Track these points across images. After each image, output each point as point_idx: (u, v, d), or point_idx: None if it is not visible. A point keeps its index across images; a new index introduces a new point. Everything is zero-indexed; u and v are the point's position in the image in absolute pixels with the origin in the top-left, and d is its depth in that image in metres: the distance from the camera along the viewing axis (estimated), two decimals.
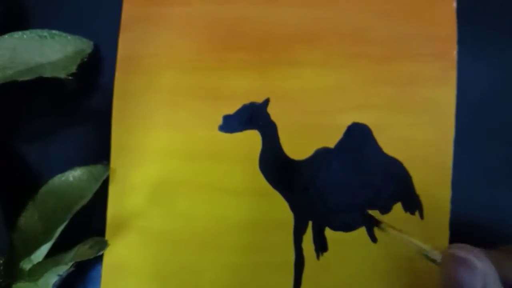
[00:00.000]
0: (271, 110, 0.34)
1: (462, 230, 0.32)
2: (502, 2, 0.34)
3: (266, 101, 0.34)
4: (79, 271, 0.34)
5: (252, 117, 0.34)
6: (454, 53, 0.34)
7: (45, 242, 0.32)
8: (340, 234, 0.33)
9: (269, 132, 0.34)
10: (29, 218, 0.33)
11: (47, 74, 0.33)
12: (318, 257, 0.33)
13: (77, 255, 0.29)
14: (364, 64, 0.34)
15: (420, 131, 0.33)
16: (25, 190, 0.33)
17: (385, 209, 0.33)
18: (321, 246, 0.33)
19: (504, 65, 0.34)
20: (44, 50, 0.34)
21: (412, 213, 0.33)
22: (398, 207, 0.33)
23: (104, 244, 0.30)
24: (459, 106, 0.33)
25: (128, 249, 0.34)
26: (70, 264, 0.30)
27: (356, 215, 0.33)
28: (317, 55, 0.34)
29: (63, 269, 0.31)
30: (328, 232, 0.33)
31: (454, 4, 0.34)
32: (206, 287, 0.33)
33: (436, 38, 0.34)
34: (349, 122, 0.34)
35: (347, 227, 0.33)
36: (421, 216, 0.33)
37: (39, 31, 0.34)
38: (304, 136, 0.34)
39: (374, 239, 0.33)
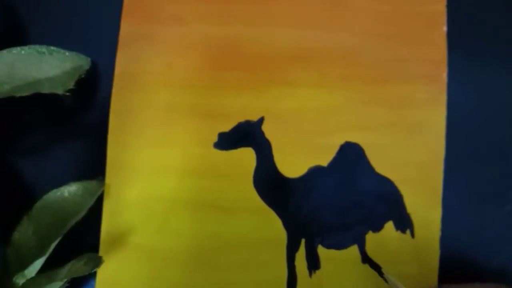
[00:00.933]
0: (266, 128, 0.35)
1: (452, 249, 0.33)
2: (491, 27, 0.36)
3: (261, 120, 0.35)
4: (73, 287, 0.34)
5: (247, 135, 0.34)
6: (444, 75, 0.35)
7: (39, 257, 0.32)
8: (332, 252, 0.33)
9: (264, 150, 0.34)
10: (23, 233, 0.33)
11: (45, 90, 0.33)
12: (310, 274, 0.33)
13: (72, 271, 0.29)
14: (357, 85, 0.35)
15: (412, 152, 0.34)
16: (20, 205, 0.33)
17: (377, 228, 0.33)
18: (313, 263, 0.33)
19: (493, 88, 0.35)
20: (42, 66, 0.35)
21: (403, 231, 0.33)
22: (389, 226, 0.33)
23: (99, 261, 0.30)
24: (449, 127, 0.34)
25: (122, 266, 0.34)
26: (64, 280, 0.30)
27: (348, 233, 0.33)
28: (312, 75, 0.35)
29: (57, 285, 0.30)
30: (321, 250, 0.34)
31: (445, 28, 0.35)
32: None
33: (427, 61, 0.35)
34: (341, 142, 0.34)
35: (340, 245, 0.33)
36: (412, 235, 0.33)
37: (37, 47, 0.35)
38: (298, 155, 0.34)
39: (366, 259, 0.33)
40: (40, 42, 0.35)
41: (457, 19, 0.35)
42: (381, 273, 0.32)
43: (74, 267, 0.29)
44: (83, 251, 0.33)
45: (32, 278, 0.31)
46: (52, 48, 0.35)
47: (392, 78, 0.35)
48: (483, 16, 0.36)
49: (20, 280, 0.31)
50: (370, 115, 0.34)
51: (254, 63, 0.35)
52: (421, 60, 0.35)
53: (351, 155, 0.34)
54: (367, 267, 0.33)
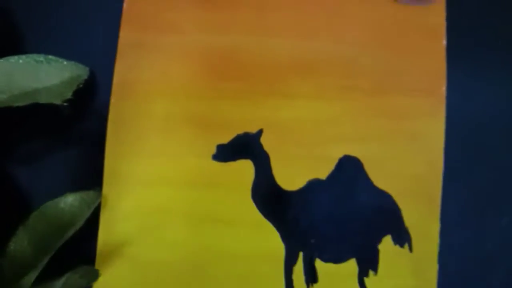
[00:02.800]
0: (264, 140, 0.34)
1: (450, 263, 0.33)
2: (491, 40, 0.36)
3: (260, 132, 0.34)
4: None
5: (246, 147, 0.34)
6: (443, 88, 0.35)
7: (34, 269, 0.32)
8: (330, 266, 0.33)
9: (262, 163, 0.34)
10: (19, 243, 0.33)
11: (43, 100, 0.33)
12: None
13: (68, 284, 0.29)
14: (356, 97, 0.35)
15: (410, 164, 0.34)
16: (16, 215, 0.33)
17: (375, 241, 0.33)
18: (311, 277, 0.33)
19: (492, 101, 0.35)
20: (40, 75, 0.34)
21: (401, 246, 0.33)
22: (387, 240, 0.33)
23: (95, 274, 0.29)
24: (447, 140, 0.34)
25: (118, 277, 0.34)
26: None
27: (346, 247, 0.33)
28: (311, 87, 0.35)
29: None
30: (319, 264, 0.33)
31: (444, 41, 0.35)
32: None
33: (426, 74, 0.35)
34: (340, 154, 0.34)
35: (337, 259, 0.33)
36: (410, 249, 0.33)
37: (35, 56, 0.34)
38: (297, 167, 0.34)
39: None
40: (38, 51, 0.35)
41: (457, 31, 0.35)
42: None
43: (70, 280, 0.29)
44: (79, 263, 0.33)
45: None
46: (50, 57, 0.35)
47: (390, 90, 0.35)
48: (483, 29, 0.36)
49: None
50: (369, 127, 0.34)
51: (252, 74, 0.35)
52: (420, 73, 0.35)
53: (349, 169, 0.34)
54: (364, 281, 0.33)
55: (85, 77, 0.35)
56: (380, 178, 0.34)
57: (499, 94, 0.35)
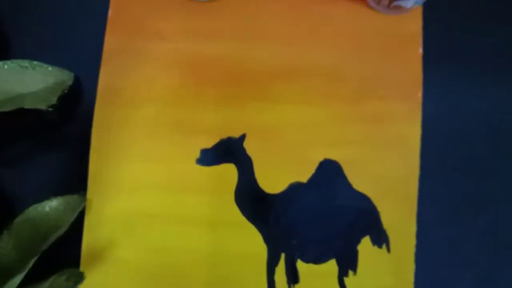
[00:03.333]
0: (247, 144, 0.35)
1: (426, 264, 0.34)
2: (466, 47, 0.37)
3: (243, 136, 0.35)
4: None
5: (229, 151, 0.35)
6: (419, 94, 0.36)
7: (19, 273, 0.32)
8: (311, 266, 0.34)
9: (245, 166, 0.35)
10: (3, 247, 0.33)
11: (27, 105, 0.33)
12: None
13: (53, 287, 0.29)
14: (337, 102, 0.36)
15: (388, 167, 0.35)
16: (0, 219, 0.33)
17: (354, 242, 0.34)
18: (292, 277, 0.34)
19: (467, 104, 0.36)
20: (25, 81, 0.35)
21: (380, 246, 0.34)
22: (366, 241, 0.34)
23: (80, 277, 0.30)
24: (424, 143, 0.35)
25: (103, 281, 0.34)
26: None
27: (327, 248, 0.34)
28: (294, 92, 0.36)
29: None
30: (300, 264, 0.34)
31: (420, 50, 0.36)
32: None
33: (403, 80, 0.36)
34: (321, 158, 0.35)
35: (318, 260, 0.34)
36: (388, 250, 0.34)
37: (20, 62, 0.35)
38: (279, 170, 0.35)
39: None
40: (23, 56, 0.35)
41: (433, 40, 0.36)
42: None
43: (55, 283, 0.29)
44: (64, 266, 0.33)
45: None
46: (35, 62, 0.35)
47: (369, 96, 0.36)
48: (458, 37, 0.37)
49: None
50: (348, 131, 0.35)
51: (236, 79, 0.36)
52: (397, 79, 0.36)
53: (329, 172, 0.35)
54: (344, 281, 0.34)
55: (70, 82, 0.35)
56: (359, 180, 0.35)
57: (474, 98, 0.36)
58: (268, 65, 0.36)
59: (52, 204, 0.34)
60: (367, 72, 0.36)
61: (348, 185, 0.35)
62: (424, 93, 0.36)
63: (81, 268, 0.34)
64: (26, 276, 0.32)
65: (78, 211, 0.34)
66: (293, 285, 0.34)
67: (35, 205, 0.34)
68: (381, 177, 0.35)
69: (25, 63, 0.35)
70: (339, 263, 0.34)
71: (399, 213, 0.34)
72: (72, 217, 0.33)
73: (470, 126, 0.36)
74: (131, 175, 0.35)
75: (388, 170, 0.35)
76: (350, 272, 0.34)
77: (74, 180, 0.35)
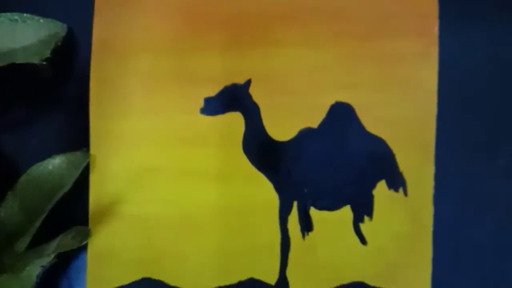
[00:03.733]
0: (253, 91, 0.33)
1: (446, 207, 0.33)
2: None
3: (248, 82, 0.33)
4: (63, 261, 0.33)
5: (234, 99, 0.33)
6: (435, 29, 0.33)
7: (27, 233, 0.31)
8: (325, 214, 0.33)
9: (252, 114, 0.33)
10: (9, 209, 0.32)
11: (20, 60, 0.31)
12: (303, 237, 0.33)
13: (60, 245, 0.28)
14: (345, 42, 0.34)
15: (403, 109, 0.33)
16: (3, 181, 0.32)
17: (369, 187, 0.33)
18: (306, 226, 0.33)
19: (486, 40, 0.34)
20: (16, 35, 0.33)
21: (396, 190, 0.33)
22: (382, 185, 0.33)
23: (87, 234, 0.29)
24: (441, 82, 0.33)
25: (112, 236, 0.34)
26: (53, 255, 0.29)
27: (341, 194, 0.33)
28: (298, 34, 0.34)
29: (46, 260, 0.30)
30: (313, 212, 0.33)
31: None
32: (191, 271, 0.33)
33: (417, 15, 0.34)
34: (332, 102, 0.33)
35: (332, 206, 0.33)
36: (405, 193, 0.33)
37: (9, 15, 0.33)
38: (287, 117, 0.33)
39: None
40: (12, 9, 0.33)
41: None
42: None
43: (62, 242, 0.29)
44: (73, 224, 0.33)
45: (20, 254, 0.31)
46: (25, 15, 0.33)
47: (381, 33, 0.34)
48: None
49: (9, 256, 0.31)
50: (360, 72, 0.33)
51: (237, 23, 0.34)
52: (411, 14, 0.34)
53: (341, 116, 0.33)
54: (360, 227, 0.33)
55: (63, 34, 0.34)
56: (373, 123, 0.33)
57: (495, 34, 0.34)
58: (270, 6, 0.34)
59: (55, 162, 0.33)
60: (377, 8, 0.34)
61: (362, 128, 0.33)
62: (441, 28, 0.33)
63: (90, 226, 0.33)
64: (36, 236, 0.32)
65: (81, 168, 0.33)
66: (307, 233, 0.33)
67: (38, 164, 0.33)
68: (396, 120, 0.33)
69: (15, 16, 0.33)
70: (354, 209, 0.33)
71: (416, 156, 0.33)
72: (76, 174, 0.32)
73: (491, 64, 0.34)
74: (134, 129, 0.34)
75: (403, 112, 0.33)
76: (366, 218, 0.33)
77: (76, 136, 0.34)
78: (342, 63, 0.34)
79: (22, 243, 0.31)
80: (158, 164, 0.34)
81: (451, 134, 0.33)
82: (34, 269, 0.30)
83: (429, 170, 0.33)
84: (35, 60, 0.31)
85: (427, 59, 0.33)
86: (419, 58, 0.33)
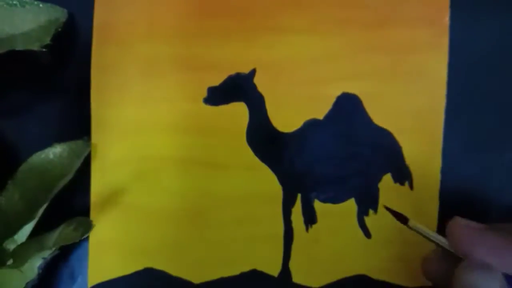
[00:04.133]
0: (258, 80, 0.33)
1: (452, 201, 0.32)
2: None
3: (253, 72, 0.33)
4: (66, 249, 0.33)
5: (238, 89, 0.33)
6: (446, 18, 0.32)
7: (28, 222, 0.31)
8: (329, 206, 0.33)
9: (256, 104, 0.33)
10: (9, 198, 0.32)
11: (19, 46, 0.31)
12: (307, 229, 0.33)
13: (61, 237, 0.28)
14: (353, 30, 0.33)
15: (411, 100, 0.32)
16: (3, 169, 0.32)
17: (375, 180, 0.33)
18: (310, 218, 0.33)
19: (497, 31, 0.33)
20: (15, 20, 0.32)
21: (402, 183, 0.32)
22: (387, 178, 0.33)
23: (88, 226, 0.29)
24: (450, 73, 0.32)
25: (114, 227, 0.33)
26: (54, 248, 0.29)
27: (345, 187, 0.33)
28: (305, 21, 0.33)
29: (48, 253, 0.30)
30: (317, 204, 0.33)
31: None
32: (194, 262, 0.33)
33: (427, 3, 0.32)
34: (338, 92, 0.32)
35: (336, 199, 0.33)
36: (411, 187, 0.32)
37: (8, 0, 0.32)
38: (293, 108, 0.33)
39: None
40: None
41: None
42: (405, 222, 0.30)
43: (64, 233, 0.28)
44: (74, 214, 0.33)
45: (22, 244, 0.30)
46: (24, 0, 0.32)
47: (390, 22, 0.33)
48: None
49: (10, 246, 0.31)
50: (368, 62, 0.33)
51: (242, 8, 0.33)
52: (422, 1, 0.32)
53: (348, 107, 0.32)
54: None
55: (64, 19, 0.33)
56: (380, 115, 0.32)
57: (507, 24, 0.33)
58: None
59: (56, 151, 0.32)
60: None
61: (369, 120, 0.32)
62: (452, 17, 0.32)
63: (92, 216, 0.33)
64: (38, 226, 0.31)
65: (83, 157, 0.32)
66: (311, 225, 0.33)
67: (38, 153, 0.32)
68: (403, 111, 0.32)
69: (14, 0, 0.32)
70: (358, 203, 0.33)
71: (423, 148, 0.32)
72: (77, 163, 0.32)
73: (503, 54, 0.33)
74: (136, 117, 0.33)
75: (411, 103, 0.32)
76: (371, 211, 0.32)
77: (77, 125, 0.34)
78: (350, 52, 0.33)
79: (24, 232, 0.31)
80: (161, 154, 0.33)
81: (460, 127, 0.33)
82: (36, 261, 0.30)
83: (436, 163, 0.32)
84: (35, 47, 0.31)
85: (437, 49, 0.32)
86: (429, 48, 0.32)
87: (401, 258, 0.32)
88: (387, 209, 0.28)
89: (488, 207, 0.33)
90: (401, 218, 0.27)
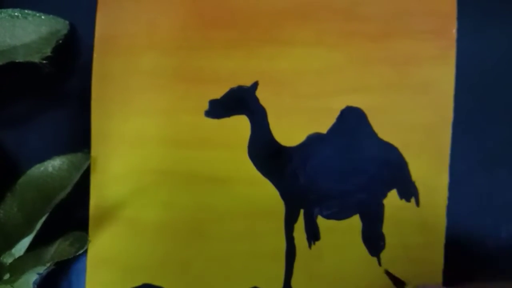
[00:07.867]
0: (260, 93, 0.32)
1: (459, 218, 0.31)
2: None
3: (255, 85, 0.32)
4: (64, 264, 0.33)
5: (240, 101, 0.32)
6: (453, 30, 0.32)
7: (26, 235, 0.31)
8: (332, 223, 0.32)
9: (258, 118, 0.32)
10: (8, 210, 0.31)
11: (20, 58, 0.30)
12: (310, 246, 0.32)
13: (57, 253, 0.27)
14: (358, 42, 0.32)
15: (417, 114, 0.32)
16: (2, 182, 0.32)
17: (380, 196, 0.32)
18: (313, 235, 0.32)
19: (506, 44, 0.32)
20: (16, 31, 0.32)
21: (408, 200, 0.32)
22: (393, 194, 0.32)
23: (84, 241, 0.28)
24: (458, 87, 0.32)
25: (113, 241, 0.33)
26: (49, 264, 0.28)
27: (349, 203, 0.32)
28: (309, 33, 0.32)
29: (43, 268, 0.29)
30: (320, 221, 0.32)
31: None
32: (194, 277, 0.33)
33: (435, 15, 0.32)
34: (342, 106, 0.32)
35: (340, 215, 0.32)
36: (417, 203, 0.31)
37: (10, 11, 0.32)
38: (295, 121, 0.32)
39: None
40: (13, 5, 0.32)
41: None
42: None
43: (60, 248, 0.28)
44: (73, 227, 0.32)
45: (20, 258, 0.30)
46: (26, 11, 0.32)
47: (396, 34, 0.32)
48: None
49: (7, 259, 0.30)
50: (373, 75, 0.32)
51: (245, 20, 0.32)
52: (429, 14, 0.32)
53: (352, 121, 0.32)
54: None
55: (65, 31, 0.33)
56: (385, 129, 0.32)
57: None
58: (279, 3, 0.32)
59: (55, 164, 0.32)
60: (393, 6, 0.32)
61: (373, 134, 0.32)
62: (459, 30, 0.32)
63: (90, 229, 0.33)
64: (37, 239, 0.31)
65: (82, 169, 0.32)
66: (314, 242, 0.32)
67: (38, 165, 0.32)
68: (409, 126, 0.32)
69: (16, 12, 0.32)
70: (363, 219, 0.32)
71: (429, 165, 0.31)
72: (76, 176, 0.32)
73: (510, 67, 0.32)
74: (137, 130, 0.33)
75: (417, 118, 0.32)
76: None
77: (77, 137, 0.33)
78: (354, 65, 0.32)
79: (22, 245, 0.31)
80: (161, 167, 0.33)
81: (467, 142, 0.32)
82: (31, 276, 0.29)
83: (443, 179, 0.31)
84: (36, 59, 0.30)
85: (444, 62, 0.32)
86: (436, 61, 0.32)
87: (406, 276, 0.31)
88: (387, 273, 0.29)
89: (497, 224, 0.32)
90: (398, 283, 0.28)
